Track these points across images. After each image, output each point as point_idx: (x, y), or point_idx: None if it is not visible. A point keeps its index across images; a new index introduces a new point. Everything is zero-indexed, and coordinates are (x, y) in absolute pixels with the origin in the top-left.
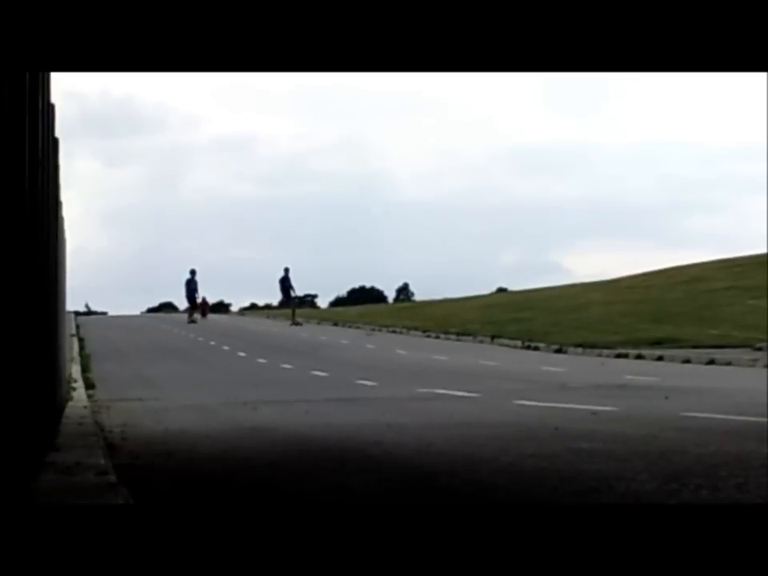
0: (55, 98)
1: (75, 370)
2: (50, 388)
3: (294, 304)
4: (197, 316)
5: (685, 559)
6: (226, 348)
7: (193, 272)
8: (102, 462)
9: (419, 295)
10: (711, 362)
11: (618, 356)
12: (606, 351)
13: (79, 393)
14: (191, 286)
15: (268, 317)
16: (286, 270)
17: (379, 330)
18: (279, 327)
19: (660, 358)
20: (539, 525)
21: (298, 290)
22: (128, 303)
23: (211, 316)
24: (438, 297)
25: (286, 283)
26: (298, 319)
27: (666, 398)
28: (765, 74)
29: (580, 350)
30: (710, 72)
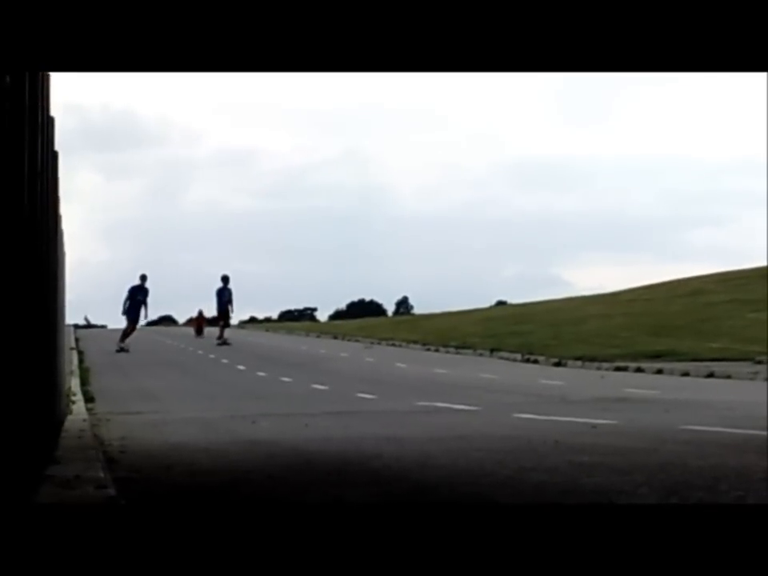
0: (55, 111)
1: (75, 384)
2: (49, 401)
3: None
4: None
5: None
6: (225, 361)
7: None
8: (102, 475)
9: (419, 308)
10: (711, 375)
11: (618, 369)
12: (605, 364)
13: (79, 406)
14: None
15: (267, 330)
16: (225, 279)
17: (379, 344)
18: (279, 340)
19: (660, 371)
20: (536, 527)
21: (297, 303)
22: None
23: (210, 330)
24: (438, 310)
25: (224, 295)
26: (226, 336)
27: (666, 411)
28: (765, 74)
29: (579, 363)
30: (709, 72)
